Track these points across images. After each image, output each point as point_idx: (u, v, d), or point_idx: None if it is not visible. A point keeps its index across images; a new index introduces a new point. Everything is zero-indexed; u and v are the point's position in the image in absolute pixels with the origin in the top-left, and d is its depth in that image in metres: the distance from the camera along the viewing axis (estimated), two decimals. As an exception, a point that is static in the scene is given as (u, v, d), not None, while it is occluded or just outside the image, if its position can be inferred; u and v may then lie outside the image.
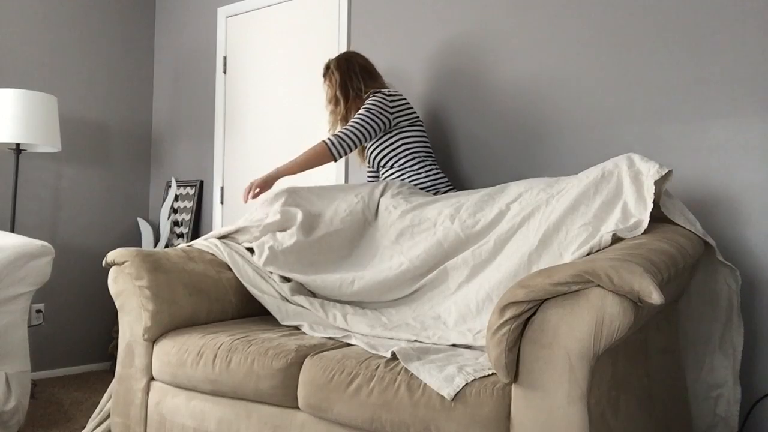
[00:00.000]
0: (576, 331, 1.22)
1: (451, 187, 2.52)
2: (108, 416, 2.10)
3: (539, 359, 1.26)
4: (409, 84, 2.92)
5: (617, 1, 2.38)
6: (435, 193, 2.48)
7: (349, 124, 2.44)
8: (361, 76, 2.60)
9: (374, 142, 2.56)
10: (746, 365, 2.08)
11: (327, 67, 2.66)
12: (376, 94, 2.49)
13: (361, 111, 2.46)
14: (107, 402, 2.14)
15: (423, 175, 2.49)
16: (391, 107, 2.48)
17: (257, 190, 2.34)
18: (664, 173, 1.77)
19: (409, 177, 2.49)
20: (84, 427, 2.14)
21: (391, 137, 2.51)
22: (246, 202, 2.34)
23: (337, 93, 2.60)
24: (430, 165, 2.52)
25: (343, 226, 2.28)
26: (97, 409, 2.15)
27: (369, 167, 2.74)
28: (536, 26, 2.57)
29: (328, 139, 2.38)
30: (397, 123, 2.50)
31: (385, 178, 2.56)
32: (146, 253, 2.01)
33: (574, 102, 2.47)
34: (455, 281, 2.01)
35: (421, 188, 2.49)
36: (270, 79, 3.44)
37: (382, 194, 2.40)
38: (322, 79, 2.68)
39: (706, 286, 1.97)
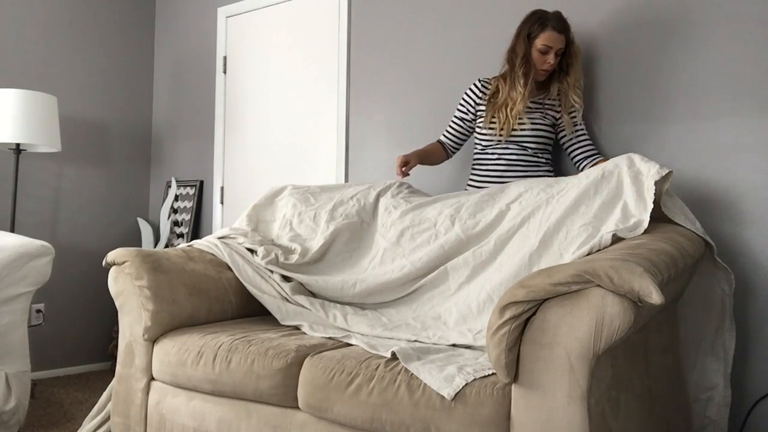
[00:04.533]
0: (576, 331, 1.22)
1: None
2: (109, 417, 2.10)
3: (539, 359, 1.26)
4: (411, 83, 2.92)
5: (616, 2, 2.38)
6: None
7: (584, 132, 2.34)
8: None
9: (570, 139, 2.35)
10: (739, 367, 2.08)
11: (566, 22, 2.25)
12: None
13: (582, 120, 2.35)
14: (107, 402, 2.14)
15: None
16: None
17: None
18: (664, 174, 1.77)
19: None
20: (81, 426, 2.14)
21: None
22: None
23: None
24: None
25: (341, 228, 2.29)
26: (95, 410, 2.15)
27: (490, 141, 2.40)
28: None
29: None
30: None
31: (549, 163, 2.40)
32: (146, 253, 2.01)
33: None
34: (456, 281, 2.01)
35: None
36: (270, 79, 3.44)
37: (379, 195, 2.40)
38: (556, 32, 2.21)
39: (699, 289, 1.96)
